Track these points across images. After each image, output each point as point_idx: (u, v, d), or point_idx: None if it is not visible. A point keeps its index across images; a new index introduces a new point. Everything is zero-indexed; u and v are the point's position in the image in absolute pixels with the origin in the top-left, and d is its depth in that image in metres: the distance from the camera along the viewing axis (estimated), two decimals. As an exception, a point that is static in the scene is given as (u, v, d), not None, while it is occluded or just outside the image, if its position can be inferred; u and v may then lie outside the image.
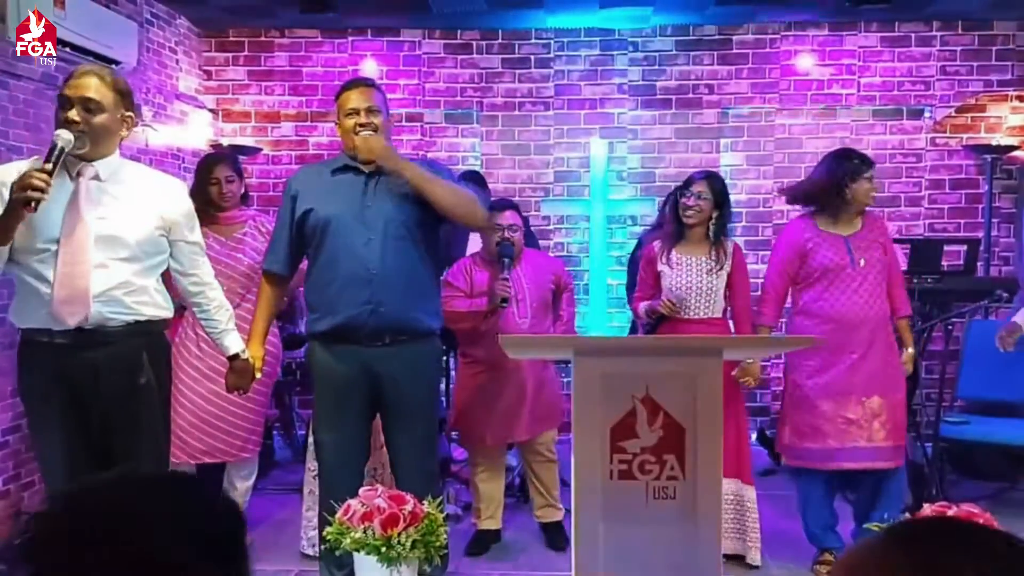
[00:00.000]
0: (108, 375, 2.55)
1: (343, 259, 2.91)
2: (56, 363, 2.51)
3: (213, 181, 3.74)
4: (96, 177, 2.54)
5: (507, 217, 3.70)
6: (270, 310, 3.13)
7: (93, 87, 2.50)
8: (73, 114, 2.47)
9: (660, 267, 3.64)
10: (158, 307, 2.65)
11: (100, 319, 2.51)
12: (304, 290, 3.13)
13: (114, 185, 2.56)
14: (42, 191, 2.34)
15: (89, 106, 2.49)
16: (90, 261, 2.48)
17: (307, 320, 3.10)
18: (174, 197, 2.70)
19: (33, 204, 2.34)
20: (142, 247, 2.57)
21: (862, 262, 3.49)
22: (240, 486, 3.85)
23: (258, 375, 2.99)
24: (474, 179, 5.24)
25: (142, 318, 2.59)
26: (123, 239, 2.53)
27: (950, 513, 2.59)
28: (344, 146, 3.03)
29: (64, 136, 2.43)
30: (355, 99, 2.95)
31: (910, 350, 3.62)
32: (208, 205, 3.70)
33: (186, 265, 2.73)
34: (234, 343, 2.88)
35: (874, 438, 3.46)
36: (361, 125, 2.92)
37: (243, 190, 3.91)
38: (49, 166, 2.37)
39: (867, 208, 3.61)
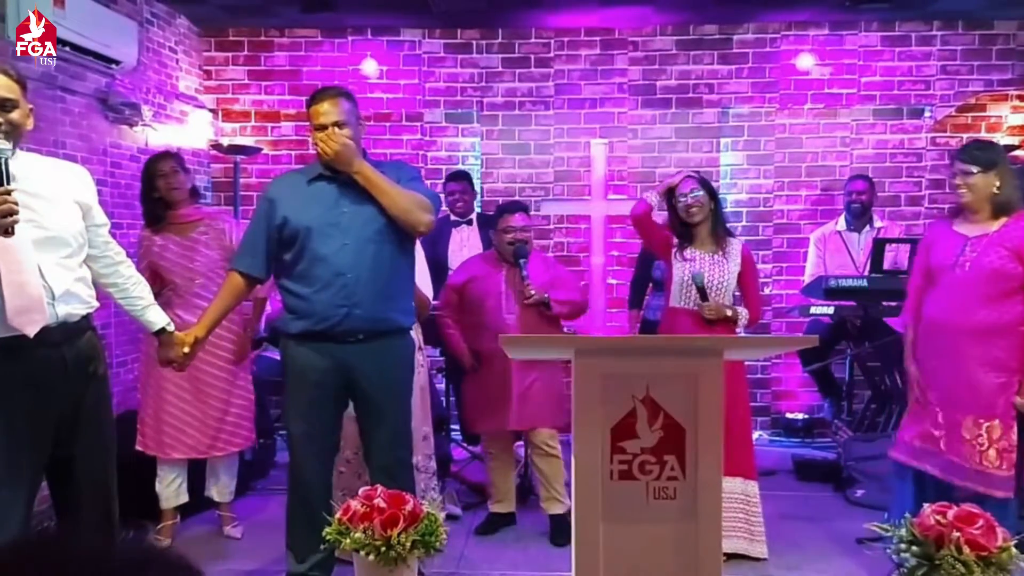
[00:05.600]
0: (73, 369, 2.51)
1: (318, 264, 2.98)
2: (21, 363, 2.42)
3: (159, 174, 3.76)
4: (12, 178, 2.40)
5: (517, 219, 3.92)
6: (229, 305, 3.16)
7: (4, 85, 2.39)
8: None
9: (675, 266, 3.69)
10: (95, 297, 2.62)
11: (65, 316, 2.46)
12: (281, 292, 3.19)
13: (29, 182, 2.42)
14: (15, 212, 2.28)
15: (6, 105, 2.37)
16: (36, 268, 2.39)
17: (282, 320, 3.15)
18: (83, 182, 2.59)
19: (11, 229, 2.28)
20: (77, 240, 2.52)
21: (967, 266, 3.20)
22: (226, 481, 3.98)
23: (186, 350, 2.92)
24: (462, 178, 5.25)
25: (91, 309, 2.58)
26: (62, 238, 2.46)
27: (950, 513, 2.58)
28: (317, 156, 3.07)
29: (2, 146, 2.32)
30: (323, 113, 2.98)
31: (1018, 399, 3.15)
32: (158, 204, 3.76)
33: (97, 248, 2.64)
34: (158, 318, 2.82)
35: (940, 449, 3.26)
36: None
37: (191, 184, 3.91)
38: (10, 186, 2.29)
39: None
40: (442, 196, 4.95)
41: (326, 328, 2.99)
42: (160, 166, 3.78)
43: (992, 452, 3.17)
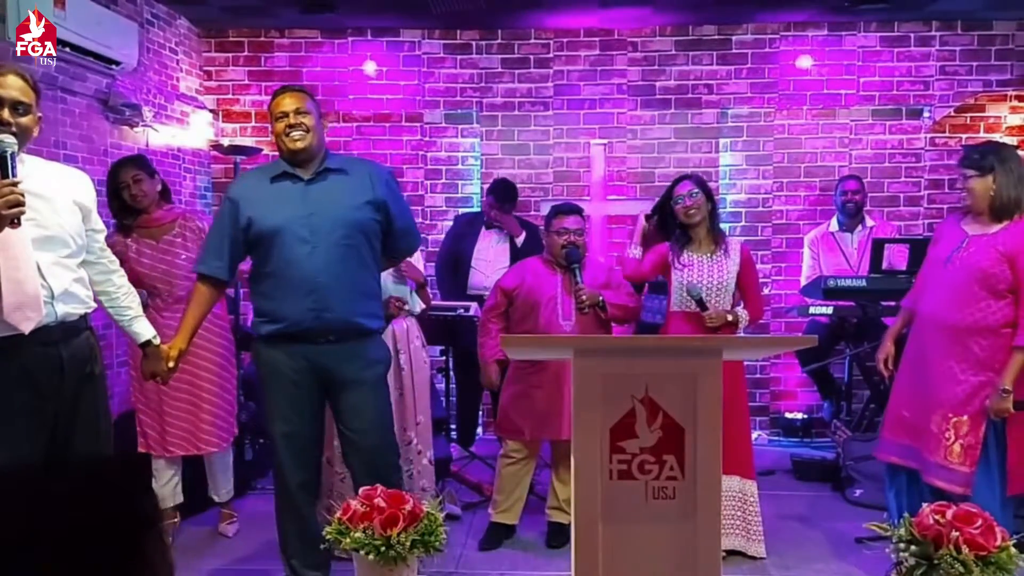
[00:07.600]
0: (70, 368, 2.52)
1: (286, 269, 2.95)
2: (17, 361, 2.44)
3: (122, 185, 3.72)
4: None
5: (571, 221, 3.78)
6: (204, 311, 3.12)
7: (20, 88, 2.42)
8: (6, 114, 2.38)
9: (673, 272, 3.68)
10: (92, 298, 2.65)
11: (64, 315, 2.48)
12: (251, 295, 3.15)
13: (30, 182, 2.42)
14: (22, 204, 2.29)
15: (19, 108, 2.41)
16: (34, 265, 2.42)
17: (253, 323, 3.12)
18: (84, 185, 2.63)
19: (18, 220, 2.29)
20: (77, 241, 2.54)
21: (957, 263, 3.21)
22: (222, 480, 3.98)
23: (171, 364, 2.93)
24: (503, 189, 5.20)
25: (89, 310, 2.60)
26: (62, 238, 2.49)
27: (949, 513, 2.59)
28: (279, 151, 3.05)
29: (8, 140, 2.34)
30: (285, 103, 2.98)
31: (1004, 386, 3.08)
32: (127, 212, 3.73)
33: (93, 253, 2.67)
34: (145, 330, 2.85)
35: (917, 443, 3.29)
36: (290, 126, 2.96)
37: (159, 187, 3.86)
38: (17, 178, 2.30)
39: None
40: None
41: (297, 331, 2.97)
42: (121, 177, 3.72)
43: (957, 447, 3.16)
